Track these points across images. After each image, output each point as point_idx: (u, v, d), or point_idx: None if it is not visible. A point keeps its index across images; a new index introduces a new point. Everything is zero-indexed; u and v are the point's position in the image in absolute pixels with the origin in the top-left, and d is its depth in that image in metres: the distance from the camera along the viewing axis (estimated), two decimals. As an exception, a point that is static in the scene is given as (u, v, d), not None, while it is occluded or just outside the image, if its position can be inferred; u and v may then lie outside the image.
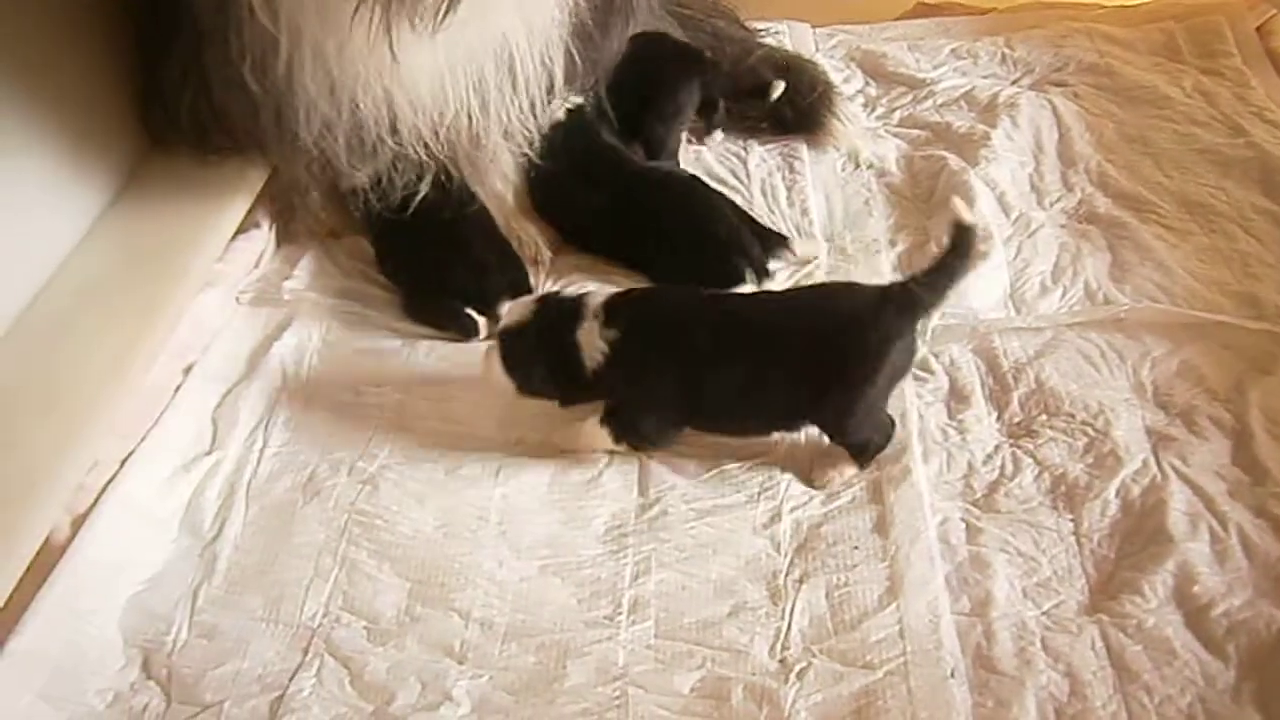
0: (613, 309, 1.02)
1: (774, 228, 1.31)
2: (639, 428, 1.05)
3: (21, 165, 1.07)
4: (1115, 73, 1.62)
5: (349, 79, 1.08)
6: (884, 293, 1.00)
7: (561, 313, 1.03)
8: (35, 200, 1.09)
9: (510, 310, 1.06)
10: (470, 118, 1.17)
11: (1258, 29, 1.70)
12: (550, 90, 1.21)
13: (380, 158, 1.18)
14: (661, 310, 1.06)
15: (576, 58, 1.23)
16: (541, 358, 1.03)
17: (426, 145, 1.17)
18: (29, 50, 1.06)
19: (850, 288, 1.05)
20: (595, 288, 1.11)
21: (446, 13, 0.98)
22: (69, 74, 1.13)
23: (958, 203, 1.01)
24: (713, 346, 1.01)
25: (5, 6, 1.04)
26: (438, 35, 1.03)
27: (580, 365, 1.01)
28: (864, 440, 1.03)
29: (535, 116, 1.21)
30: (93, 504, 0.99)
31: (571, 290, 1.09)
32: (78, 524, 0.98)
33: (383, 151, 1.17)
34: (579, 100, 1.32)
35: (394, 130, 1.14)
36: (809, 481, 1.04)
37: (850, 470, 1.04)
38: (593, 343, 1.01)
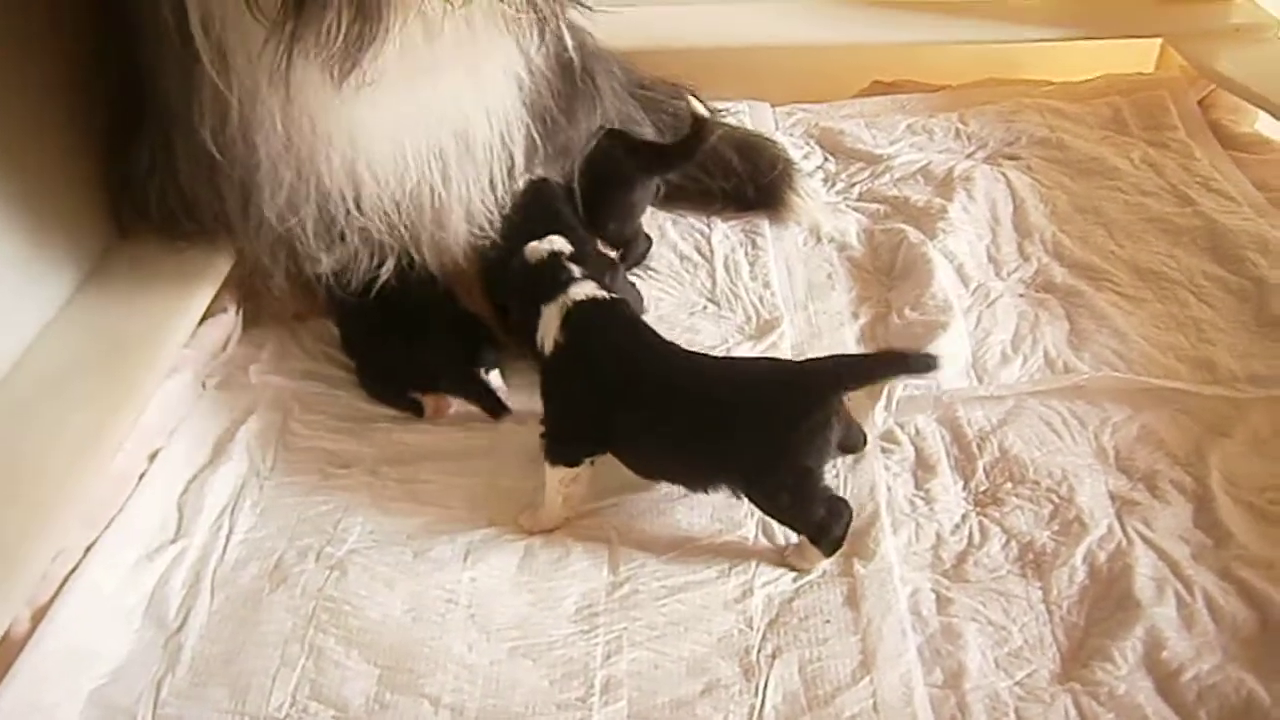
0: (574, 312, 1.05)
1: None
2: (562, 447, 1.06)
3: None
4: (1066, 146, 1.66)
5: (306, 147, 1.09)
6: (807, 372, 1.03)
7: (549, 280, 1.08)
8: (1, 287, 1.09)
9: (530, 249, 1.11)
10: (432, 194, 1.18)
11: (1199, 103, 1.76)
12: (511, 171, 1.23)
13: (345, 238, 1.18)
14: (607, 330, 1.07)
15: (538, 139, 1.24)
16: (518, 296, 1.10)
17: (390, 225, 1.18)
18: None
19: (776, 363, 1.07)
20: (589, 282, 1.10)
21: (361, 49, 0.97)
22: (36, 161, 1.14)
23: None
24: (631, 382, 1.04)
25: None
26: (384, 97, 1.04)
27: (534, 332, 1.07)
28: (814, 523, 1.01)
29: (496, 197, 1.23)
30: (54, 594, 0.98)
31: (577, 271, 1.09)
32: (39, 615, 0.96)
33: (348, 232, 1.17)
34: (541, 174, 1.32)
35: (357, 206, 1.15)
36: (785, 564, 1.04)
37: (815, 556, 1.02)
38: (550, 331, 1.06)
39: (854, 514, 1.05)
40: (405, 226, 1.19)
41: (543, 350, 1.07)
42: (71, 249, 1.20)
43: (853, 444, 1.12)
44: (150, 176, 1.17)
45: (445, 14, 1.00)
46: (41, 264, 1.15)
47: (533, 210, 1.28)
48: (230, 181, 1.12)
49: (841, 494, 1.07)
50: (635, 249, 1.44)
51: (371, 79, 1.00)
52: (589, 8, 1.15)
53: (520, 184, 1.28)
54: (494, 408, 1.20)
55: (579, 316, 1.05)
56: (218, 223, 1.19)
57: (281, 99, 1.03)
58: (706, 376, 1.05)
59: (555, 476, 1.05)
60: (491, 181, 1.21)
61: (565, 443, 1.06)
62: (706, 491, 1.05)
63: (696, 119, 1.36)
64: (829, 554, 1.02)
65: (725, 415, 1.00)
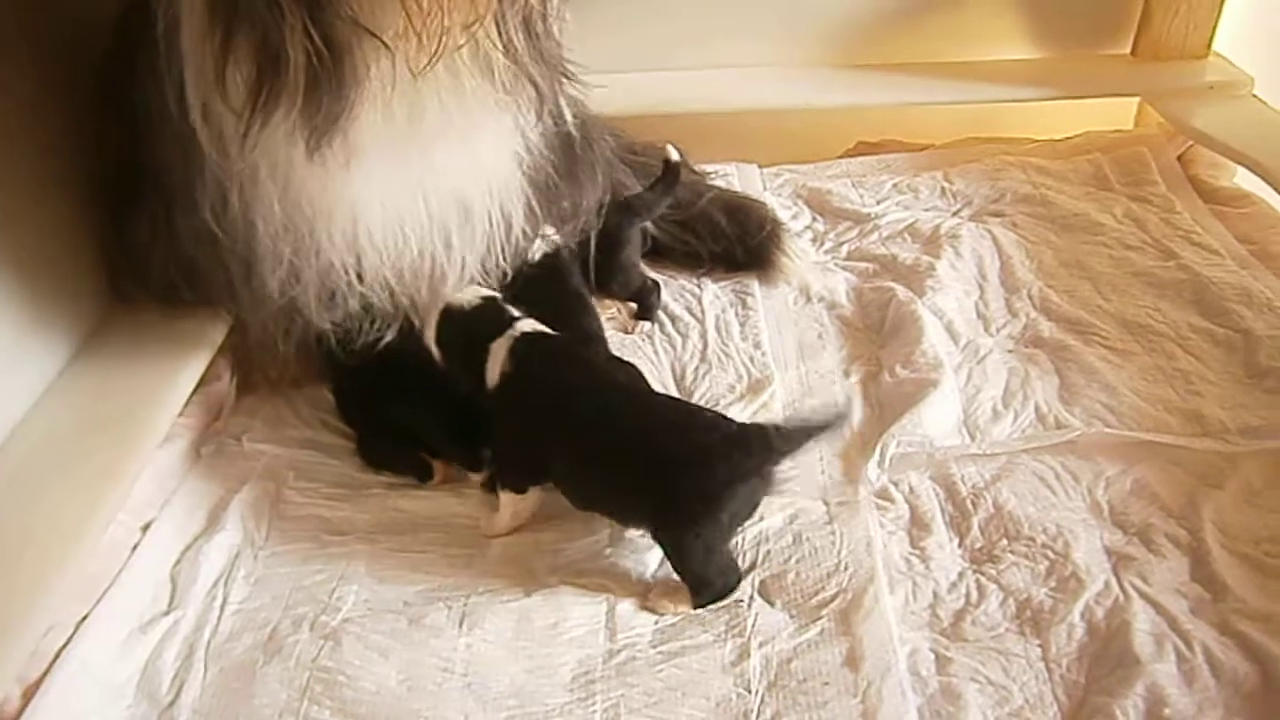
0: (520, 344, 1.11)
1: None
2: (509, 473, 1.12)
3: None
4: (1050, 202, 1.69)
5: (305, 223, 1.11)
6: (740, 434, 1.03)
7: (493, 319, 1.14)
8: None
9: (461, 292, 1.17)
10: (433, 263, 1.19)
11: (1178, 158, 1.79)
12: (509, 237, 1.24)
13: (347, 306, 1.20)
14: (553, 361, 1.12)
15: (537, 208, 1.26)
16: (461, 348, 1.14)
17: (391, 292, 1.20)
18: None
19: (716, 419, 1.08)
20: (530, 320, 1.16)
21: (331, 123, 0.99)
22: (32, 232, 1.15)
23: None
24: (569, 413, 1.08)
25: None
26: (375, 173, 1.06)
27: (483, 374, 1.12)
28: (704, 579, 1.03)
29: (497, 265, 1.24)
30: (46, 670, 0.97)
31: (515, 311, 1.17)
32: (30, 692, 0.94)
33: (350, 300, 1.19)
34: (552, 246, 1.35)
35: (359, 276, 1.17)
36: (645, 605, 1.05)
37: (684, 606, 1.04)
38: (496, 364, 1.11)
39: (851, 573, 1.05)
40: (406, 295, 1.21)
41: (489, 383, 1.12)
42: (67, 318, 1.21)
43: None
44: (151, 247, 1.18)
45: (428, 87, 1.02)
46: (37, 333, 1.16)
47: (539, 285, 1.30)
48: (232, 255, 1.14)
49: (837, 553, 1.08)
50: (647, 299, 1.46)
51: (355, 153, 1.02)
52: (579, 81, 1.17)
53: (532, 248, 1.30)
54: (475, 468, 1.20)
55: (525, 348, 1.11)
56: (220, 293, 1.20)
57: (277, 178, 1.05)
58: (647, 417, 1.08)
59: (505, 498, 1.12)
60: (490, 249, 1.23)
61: (511, 470, 1.12)
62: (629, 526, 1.08)
63: (667, 163, 1.44)
64: (695, 608, 1.04)
65: (661, 459, 1.03)
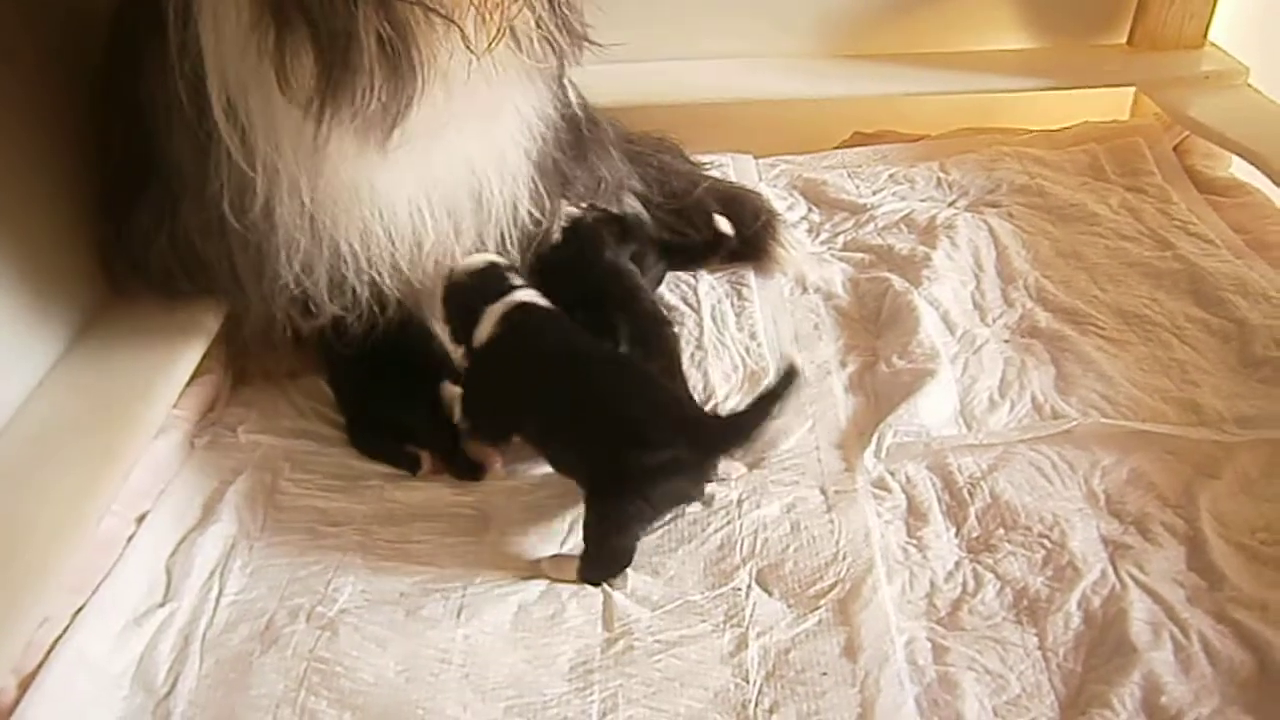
0: (514, 311, 1.16)
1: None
2: (479, 427, 1.18)
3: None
4: (1046, 192, 1.69)
5: (327, 214, 1.11)
6: (695, 422, 1.09)
7: (493, 285, 1.18)
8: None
9: (467, 260, 1.20)
10: (444, 246, 1.20)
11: (1174, 148, 1.79)
12: (515, 224, 1.25)
13: (355, 294, 1.20)
14: (542, 330, 1.17)
15: (545, 189, 1.27)
16: (458, 309, 1.19)
17: (399, 278, 1.20)
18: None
19: (678, 401, 1.12)
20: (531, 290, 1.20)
21: (398, 110, 1.00)
22: (28, 224, 1.14)
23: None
24: (545, 379, 1.13)
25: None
26: (404, 158, 1.06)
27: (472, 334, 1.16)
28: (601, 554, 1.06)
29: (507, 246, 1.25)
30: (41, 661, 0.96)
31: (517, 279, 1.20)
32: (25, 684, 0.94)
33: (358, 286, 1.19)
34: (569, 219, 1.34)
35: (369, 263, 1.17)
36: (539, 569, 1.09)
37: (570, 574, 1.07)
38: (487, 327, 1.15)
39: (849, 562, 1.06)
40: (415, 278, 1.21)
41: (474, 343, 1.16)
42: (63, 309, 1.20)
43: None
44: (152, 238, 1.18)
45: (467, 69, 1.02)
46: (33, 324, 1.15)
47: (567, 268, 1.31)
48: (245, 246, 1.13)
49: (835, 542, 1.09)
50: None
51: (405, 140, 1.02)
52: (600, 46, 1.15)
53: (553, 230, 1.31)
54: (462, 471, 1.20)
55: (518, 315, 1.16)
56: (224, 284, 1.20)
57: (308, 170, 1.06)
58: (613, 387, 1.12)
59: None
60: (501, 229, 1.24)
61: (481, 423, 1.17)
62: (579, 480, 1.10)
63: (717, 233, 1.47)
64: (583, 581, 1.06)
65: (609, 428, 1.07)
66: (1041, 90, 1.84)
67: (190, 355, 1.22)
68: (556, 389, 1.12)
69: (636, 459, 1.03)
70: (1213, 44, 1.88)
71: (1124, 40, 1.92)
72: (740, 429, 1.06)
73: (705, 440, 1.07)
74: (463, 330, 1.18)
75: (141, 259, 1.21)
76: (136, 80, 1.08)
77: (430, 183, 1.14)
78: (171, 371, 1.20)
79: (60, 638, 0.99)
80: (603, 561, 1.06)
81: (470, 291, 1.18)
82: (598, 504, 1.06)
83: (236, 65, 1.01)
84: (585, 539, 1.06)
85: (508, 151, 1.19)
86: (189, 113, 1.04)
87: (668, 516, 1.11)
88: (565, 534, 1.13)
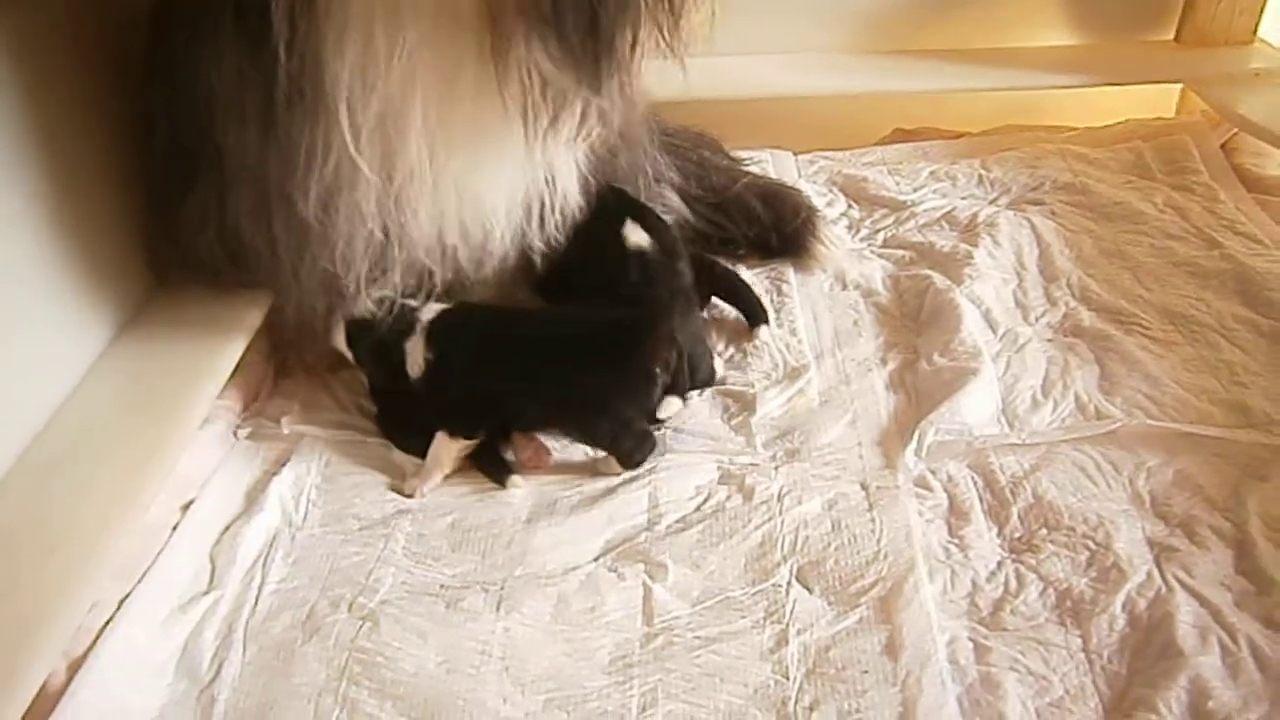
0: (433, 328, 1.21)
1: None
2: (458, 423, 1.19)
3: (20, 307, 1.08)
4: (1089, 191, 1.67)
5: (410, 207, 1.14)
6: (623, 323, 1.20)
7: (398, 322, 1.22)
8: (38, 340, 1.10)
9: (360, 310, 1.24)
10: (508, 245, 1.24)
11: (1222, 146, 1.76)
12: (565, 218, 1.27)
13: (396, 283, 1.22)
14: (466, 324, 1.23)
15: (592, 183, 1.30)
16: (377, 353, 1.23)
17: (459, 274, 1.24)
18: (37, 187, 1.09)
19: (613, 317, 1.21)
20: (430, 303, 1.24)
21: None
22: (75, 214, 1.15)
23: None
24: (494, 352, 1.20)
25: (19, 153, 1.07)
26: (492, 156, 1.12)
27: (405, 370, 1.21)
28: (624, 450, 1.18)
29: (543, 239, 1.26)
30: (89, 647, 0.98)
31: (411, 302, 1.24)
32: (74, 667, 0.96)
33: (400, 275, 1.21)
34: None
35: (434, 257, 1.21)
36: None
37: (617, 468, 1.19)
38: (417, 358, 1.20)
39: (891, 561, 1.06)
40: (470, 275, 1.24)
41: (414, 375, 1.21)
42: (110, 300, 1.21)
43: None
44: (201, 230, 1.19)
45: None
46: (81, 315, 1.16)
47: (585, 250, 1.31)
48: (308, 240, 1.15)
49: (877, 540, 1.08)
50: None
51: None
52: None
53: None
54: (493, 472, 1.20)
55: (439, 330, 1.20)
56: (276, 277, 1.21)
57: (402, 165, 1.09)
58: (553, 333, 1.22)
59: (451, 445, 1.18)
60: (554, 227, 1.26)
61: (462, 420, 1.19)
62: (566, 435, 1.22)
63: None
64: (627, 469, 1.18)
65: (564, 365, 1.17)
66: (1086, 87, 1.82)
67: (235, 346, 1.23)
68: (509, 363, 1.19)
69: (599, 376, 1.16)
70: (1262, 40, 1.85)
71: (1171, 36, 1.90)
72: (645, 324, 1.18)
73: (643, 334, 1.18)
74: (382, 369, 1.23)
75: (188, 250, 1.22)
76: (194, 69, 1.09)
77: (514, 181, 1.17)
78: (217, 362, 1.21)
79: (108, 624, 1.00)
80: (629, 453, 1.18)
81: (379, 336, 1.22)
82: (594, 428, 1.18)
83: (360, 66, 1.03)
84: (604, 449, 1.18)
85: (573, 148, 1.20)
86: (283, 110, 1.05)
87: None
88: (605, 525, 1.13)
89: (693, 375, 1.28)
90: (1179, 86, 1.89)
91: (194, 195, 1.17)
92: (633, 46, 1.04)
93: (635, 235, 1.31)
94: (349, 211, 1.12)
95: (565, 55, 1.01)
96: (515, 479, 1.18)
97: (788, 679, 0.97)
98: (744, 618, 1.02)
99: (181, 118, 1.13)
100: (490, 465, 1.21)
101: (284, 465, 1.21)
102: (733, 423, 1.27)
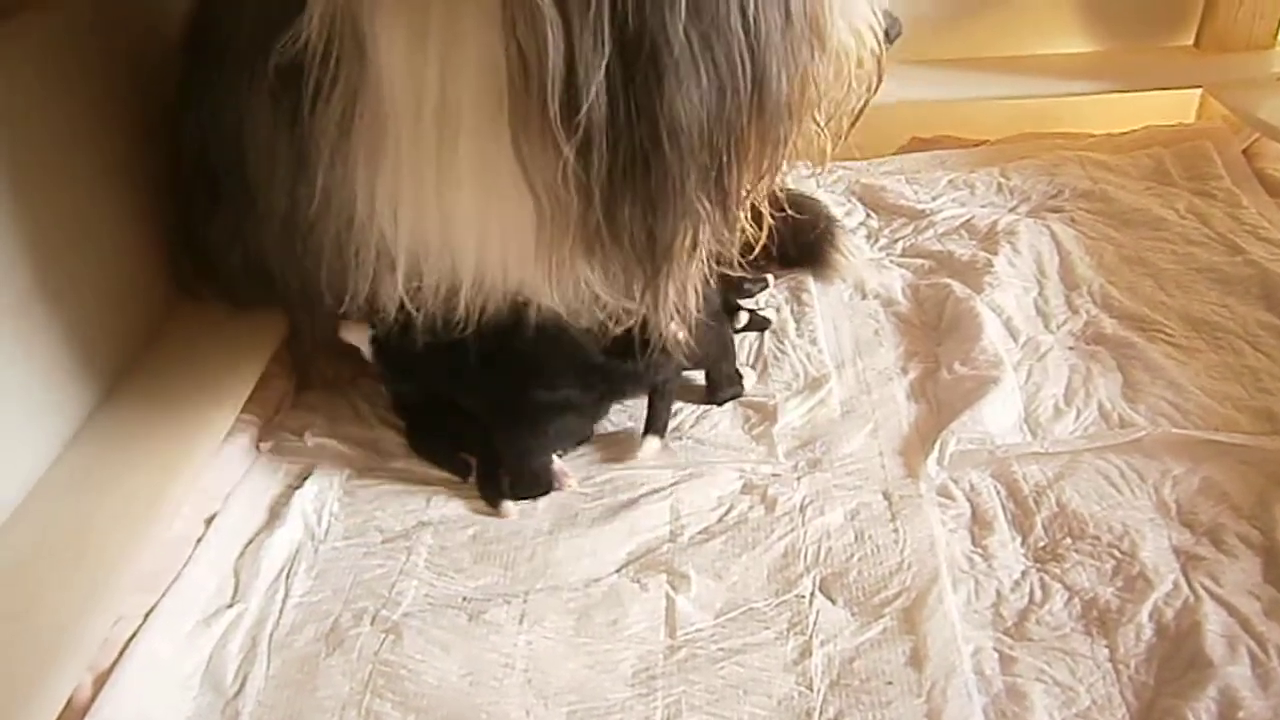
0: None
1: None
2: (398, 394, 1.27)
3: (48, 320, 1.08)
4: (1110, 198, 1.66)
5: (430, 231, 1.07)
6: (577, 364, 1.16)
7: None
8: (61, 355, 1.11)
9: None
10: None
11: (1244, 151, 1.75)
12: None
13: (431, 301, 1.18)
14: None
15: None
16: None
17: (482, 299, 1.19)
18: (65, 202, 1.10)
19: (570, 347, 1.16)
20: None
21: None
22: (99, 229, 1.17)
23: None
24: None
25: (45, 169, 1.08)
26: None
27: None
28: (520, 478, 1.18)
29: None
30: (115, 660, 0.98)
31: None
32: (99, 681, 0.96)
33: (440, 305, 1.16)
34: None
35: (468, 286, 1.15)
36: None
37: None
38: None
39: (915, 571, 1.05)
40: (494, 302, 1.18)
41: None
42: (132, 316, 1.22)
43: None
44: (226, 250, 1.19)
45: None
46: (102, 333, 1.17)
47: None
48: (328, 261, 1.11)
49: (900, 551, 1.07)
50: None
51: None
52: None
53: None
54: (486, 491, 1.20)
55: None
56: (299, 292, 1.18)
57: (428, 205, 1.02)
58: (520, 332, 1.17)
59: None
60: None
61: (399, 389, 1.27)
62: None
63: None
64: (516, 499, 1.18)
65: (524, 362, 1.16)
66: (1105, 93, 1.81)
67: (257, 359, 1.24)
68: (464, 350, 1.16)
69: (534, 396, 1.16)
70: (1284, 45, 1.84)
71: (1191, 42, 1.89)
72: (635, 378, 1.18)
73: (598, 383, 1.18)
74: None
75: (214, 268, 1.23)
76: (226, 110, 1.08)
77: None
78: (238, 376, 1.22)
79: (133, 637, 1.01)
80: (524, 484, 1.18)
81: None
82: (501, 436, 1.18)
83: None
84: (505, 467, 1.19)
85: None
86: (293, 160, 1.03)
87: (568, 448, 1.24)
88: (627, 536, 1.12)
89: (717, 391, 1.29)
90: (1199, 92, 1.88)
91: (218, 218, 1.18)
92: (691, 250, 0.98)
93: None
94: (379, 258, 1.09)
95: (621, 275, 0.97)
96: (508, 505, 1.17)
97: (812, 690, 0.96)
98: (767, 629, 1.02)
99: (213, 146, 1.13)
100: (486, 491, 1.20)
101: (306, 478, 1.22)
102: (754, 433, 1.26)
